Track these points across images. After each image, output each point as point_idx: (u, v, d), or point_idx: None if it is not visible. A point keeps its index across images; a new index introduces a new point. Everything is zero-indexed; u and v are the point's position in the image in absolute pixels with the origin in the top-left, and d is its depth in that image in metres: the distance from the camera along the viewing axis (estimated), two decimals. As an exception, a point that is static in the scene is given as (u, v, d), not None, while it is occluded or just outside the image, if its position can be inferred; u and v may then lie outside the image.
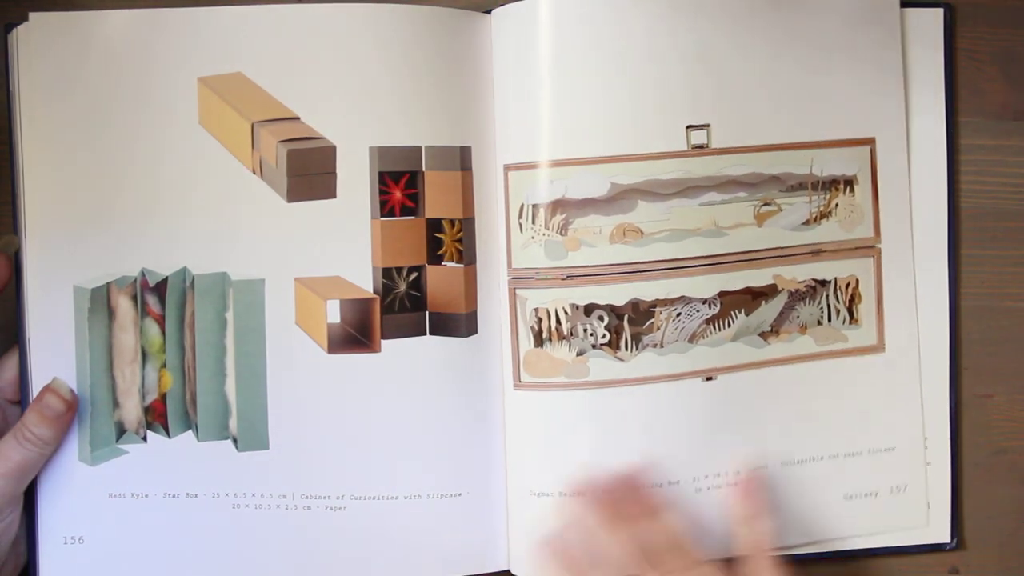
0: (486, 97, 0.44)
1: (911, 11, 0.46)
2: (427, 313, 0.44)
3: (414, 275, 0.44)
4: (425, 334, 0.44)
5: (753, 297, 0.45)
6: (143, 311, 0.44)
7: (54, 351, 0.43)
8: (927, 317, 0.47)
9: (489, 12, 0.44)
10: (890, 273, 0.46)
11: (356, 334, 0.44)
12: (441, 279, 0.44)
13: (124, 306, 0.43)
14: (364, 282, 0.43)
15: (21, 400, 0.43)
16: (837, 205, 0.46)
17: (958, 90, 0.47)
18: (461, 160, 0.43)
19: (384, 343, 0.43)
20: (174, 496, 0.43)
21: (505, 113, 0.44)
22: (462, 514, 0.44)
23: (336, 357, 0.43)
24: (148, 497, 0.43)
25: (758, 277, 0.45)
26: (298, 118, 0.43)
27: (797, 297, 0.45)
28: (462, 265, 0.44)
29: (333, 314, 0.43)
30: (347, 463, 0.43)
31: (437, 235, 0.44)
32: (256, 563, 0.44)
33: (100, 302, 0.43)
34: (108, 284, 0.43)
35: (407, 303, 0.44)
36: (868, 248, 0.46)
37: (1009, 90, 0.47)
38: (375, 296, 0.43)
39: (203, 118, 0.43)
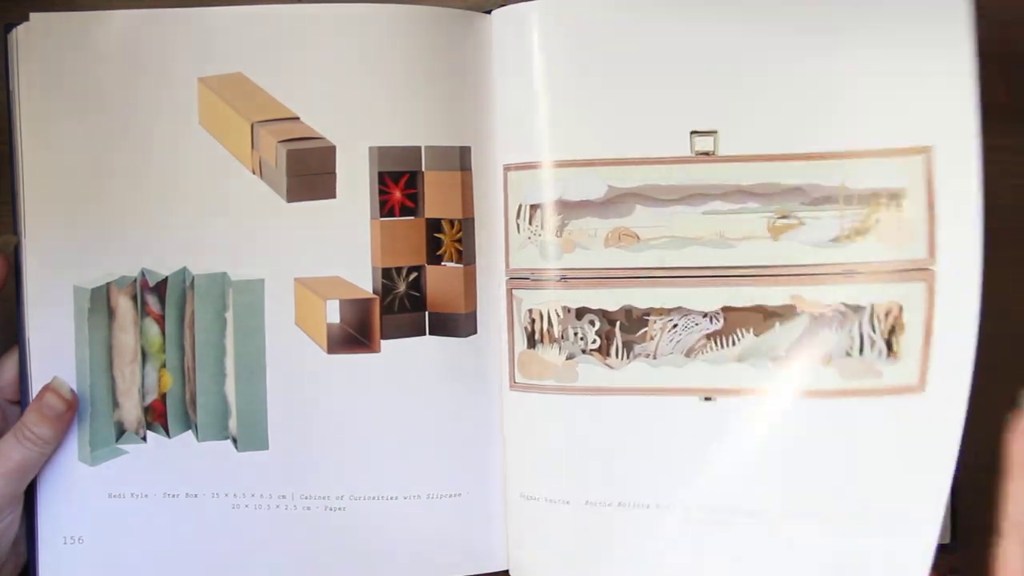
0: (486, 97, 0.44)
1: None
2: (427, 313, 0.44)
3: (414, 275, 0.44)
4: (425, 334, 0.44)
5: (765, 317, 0.41)
6: (143, 311, 0.44)
7: (54, 351, 0.43)
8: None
9: (489, 12, 0.44)
10: (945, 301, 0.39)
11: (356, 334, 0.44)
12: (441, 279, 0.44)
13: (124, 306, 0.43)
14: (364, 282, 0.43)
15: (21, 400, 0.43)
16: (878, 221, 0.40)
17: (958, 90, 0.47)
18: (461, 160, 0.43)
19: (384, 343, 0.43)
20: (174, 496, 0.44)
21: (504, 113, 0.44)
22: (462, 514, 0.44)
23: (336, 357, 0.43)
24: (148, 497, 0.43)
25: (772, 296, 0.41)
26: (298, 118, 0.43)
27: (822, 323, 0.40)
28: (462, 265, 0.44)
29: (333, 314, 0.43)
30: (347, 463, 0.43)
31: (437, 235, 0.44)
32: (256, 563, 0.44)
33: (100, 302, 0.43)
34: (108, 284, 0.43)
35: (407, 303, 0.44)
36: (919, 271, 0.40)
37: (1009, 90, 0.47)
38: (375, 296, 0.43)
39: (203, 118, 0.43)
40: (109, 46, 0.43)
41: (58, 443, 0.42)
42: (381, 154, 0.43)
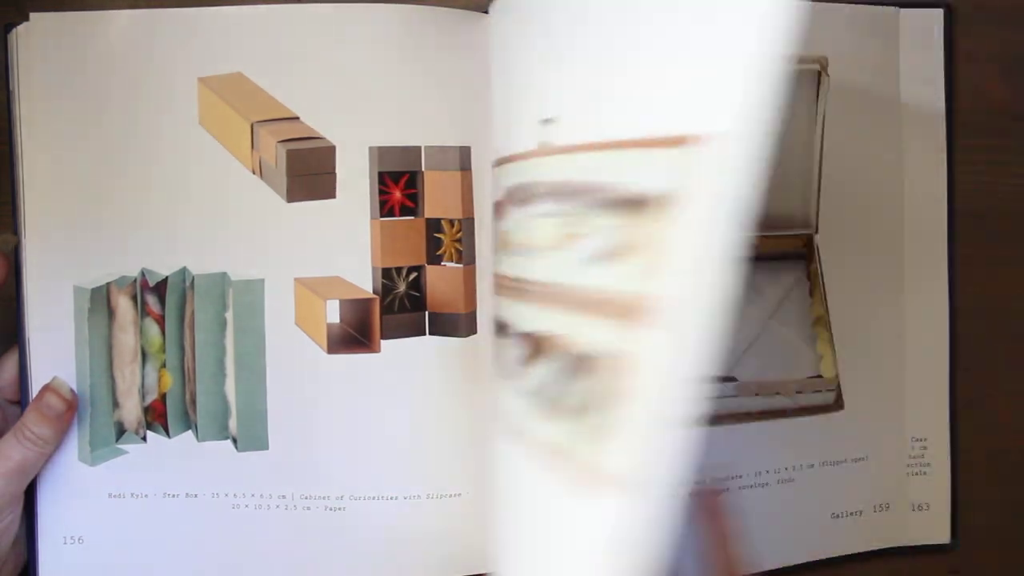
0: (485, 97, 0.44)
1: (911, 11, 0.46)
2: (427, 313, 0.44)
3: (413, 275, 0.44)
4: (425, 334, 0.44)
5: (537, 347, 0.32)
6: (143, 311, 0.44)
7: (54, 351, 0.43)
8: (927, 317, 0.47)
9: (488, 12, 0.44)
10: (664, 366, 0.24)
11: (356, 334, 0.44)
12: (440, 279, 0.44)
13: (124, 306, 0.43)
14: (364, 282, 0.43)
15: (21, 400, 0.43)
16: (625, 237, 0.28)
17: (958, 90, 0.47)
18: (460, 160, 0.43)
19: (384, 343, 0.43)
20: (174, 496, 0.44)
21: (498, 112, 0.43)
22: (462, 514, 0.44)
23: (336, 357, 0.43)
24: (148, 497, 0.43)
25: (544, 320, 0.32)
26: (298, 118, 0.43)
27: (578, 365, 0.29)
28: (461, 265, 0.44)
29: (333, 314, 0.43)
30: (347, 463, 0.43)
31: (436, 235, 0.44)
32: (256, 563, 0.44)
33: (100, 302, 0.43)
34: (108, 284, 0.43)
35: (407, 303, 0.44)
36: (640, 315, 0.26)
37: (1009, 90, 0.47)
38: (375, 296, 0.43)
39: (203, 118, 0.43)
40: (109, 46, 0.43)
41: (58, 443, 0.42)
42: (381, 154, 0.43)
